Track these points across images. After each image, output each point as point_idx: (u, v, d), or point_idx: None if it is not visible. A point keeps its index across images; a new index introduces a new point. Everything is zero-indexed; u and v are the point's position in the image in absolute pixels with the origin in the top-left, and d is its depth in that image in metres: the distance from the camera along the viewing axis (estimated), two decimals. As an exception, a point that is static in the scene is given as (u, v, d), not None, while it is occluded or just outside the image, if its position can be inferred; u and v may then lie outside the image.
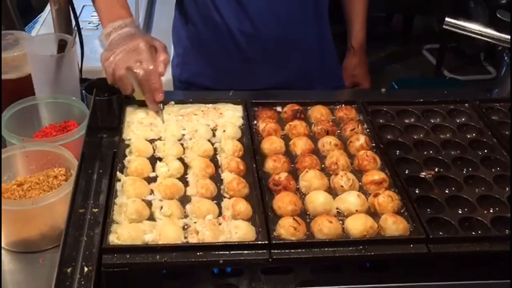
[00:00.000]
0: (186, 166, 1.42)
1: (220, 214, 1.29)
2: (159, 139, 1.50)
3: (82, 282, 1.14)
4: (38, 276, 1.29)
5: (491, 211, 1.34)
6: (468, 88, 3.50)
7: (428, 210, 1.34)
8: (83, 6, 3.00)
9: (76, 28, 1.88)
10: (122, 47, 1.54)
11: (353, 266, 1.23)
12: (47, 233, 1.34)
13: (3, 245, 1.36)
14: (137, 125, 1.54)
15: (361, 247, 1.21)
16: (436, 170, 1.46)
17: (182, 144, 1.49)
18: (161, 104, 1.59)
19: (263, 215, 1.26)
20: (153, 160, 1.43)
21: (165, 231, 1.21)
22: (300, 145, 1.49)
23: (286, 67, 2.03)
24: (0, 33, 1.75)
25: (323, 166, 1.45)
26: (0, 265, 1.30)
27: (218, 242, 1.19)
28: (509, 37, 1.73)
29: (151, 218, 1.27)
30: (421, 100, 1.72)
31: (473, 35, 1.78)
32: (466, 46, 4.82)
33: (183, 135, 1.53)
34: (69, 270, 1.16)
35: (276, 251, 1.18)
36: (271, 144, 1.49)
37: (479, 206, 1.34)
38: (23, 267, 1.33)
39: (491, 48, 4.48)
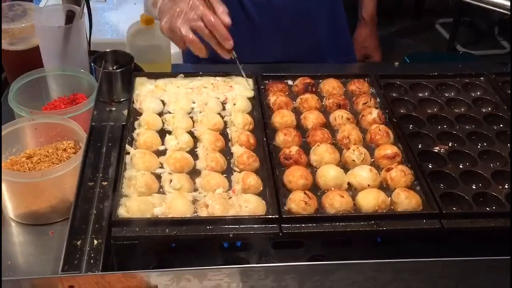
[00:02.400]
0: (195, 140, 1.40)
1: (230, 188, 1.27)
2: (169, 112, 1.49)
3: (92, 255, 1.13)
4: (48, 248, 1.30)
5: (506, 186, 1.32)
6: (482, 63, 3.45)
7: (442, 185, 1.32)
8: (92, -23, 2.96)
9: (84, -1, 1.86)
10: (177, 10, 1.51)
11: (365, 241, 1.22)
12: (56, 206, 1.34)
13: (12, 217, 1.36)
14: (146, 98, 1.52)
15: (372, 222, 1.19)
16: (450, 144, 1.44)
17: (191, 117, 1.47)
18: (234, 52, 1.55)
19: (274, 189, 1.24)
20: (163, 133, 1.42)
21: (175, 205, 1.20)
22: (312, 118, 1.47)
23: (298, 40, 1.99)
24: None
25: (334, 140, 1.43)
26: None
27: (228, 216, 1.18)
28: (526, 9, 1.69)
29: (161, 191, 1.26)
30: (435, 73, 1.68)
31: (489, 7, 1.73)
32: (480, 20, 4.74)
33: (193, 108, 1.51)
34: (78, 242, 1.15)
35: (286, 225, 1.17)
36: (282, 117, 1.47)
37: (494, 182, 1.32)
38: (33, 240, 1.33)
39: (505, 22, 4.41)
